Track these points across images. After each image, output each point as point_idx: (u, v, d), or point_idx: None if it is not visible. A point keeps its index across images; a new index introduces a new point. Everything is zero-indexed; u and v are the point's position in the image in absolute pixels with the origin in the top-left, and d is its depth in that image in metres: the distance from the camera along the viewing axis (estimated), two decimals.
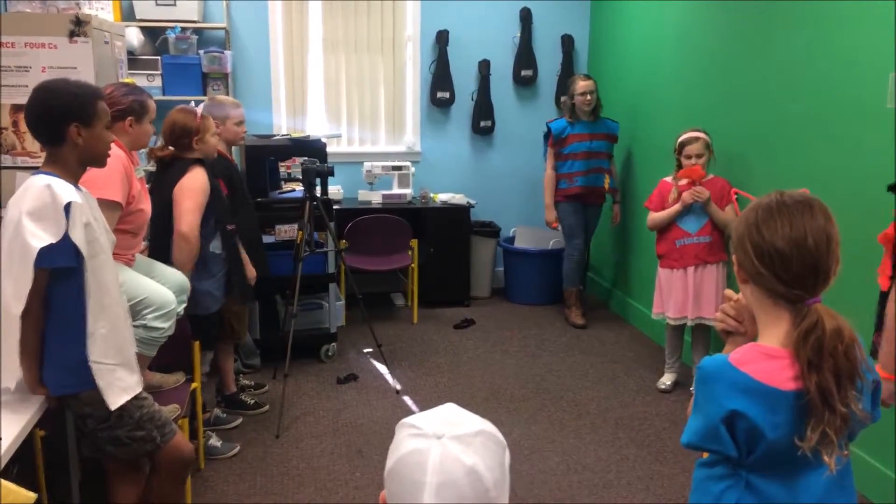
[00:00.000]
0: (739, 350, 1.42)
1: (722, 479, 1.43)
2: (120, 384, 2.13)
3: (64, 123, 2.02)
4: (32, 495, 1.60)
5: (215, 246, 3.17)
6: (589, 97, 4.79)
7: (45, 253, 1.92)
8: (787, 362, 1.35)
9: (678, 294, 3.89)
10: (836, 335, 1.32)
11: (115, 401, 2.11)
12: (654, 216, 3.98)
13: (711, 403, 1.38)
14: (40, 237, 1.93)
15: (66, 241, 1.95)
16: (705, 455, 1.50)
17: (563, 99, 4.92)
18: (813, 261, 1.34)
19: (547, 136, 5.03)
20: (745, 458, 1.39)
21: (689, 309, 3.87)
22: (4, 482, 1.57)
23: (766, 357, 1.37)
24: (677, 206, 3.84)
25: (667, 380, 4.08)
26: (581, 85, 4.81)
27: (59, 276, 2.00)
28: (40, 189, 1.97)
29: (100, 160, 2.15)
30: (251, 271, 3.54)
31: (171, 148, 3.09)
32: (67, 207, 1.96)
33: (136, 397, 2.19)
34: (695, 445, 1.43)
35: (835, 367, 1.32)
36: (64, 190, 1.98)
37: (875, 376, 1.43)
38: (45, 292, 2.00)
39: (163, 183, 3.05)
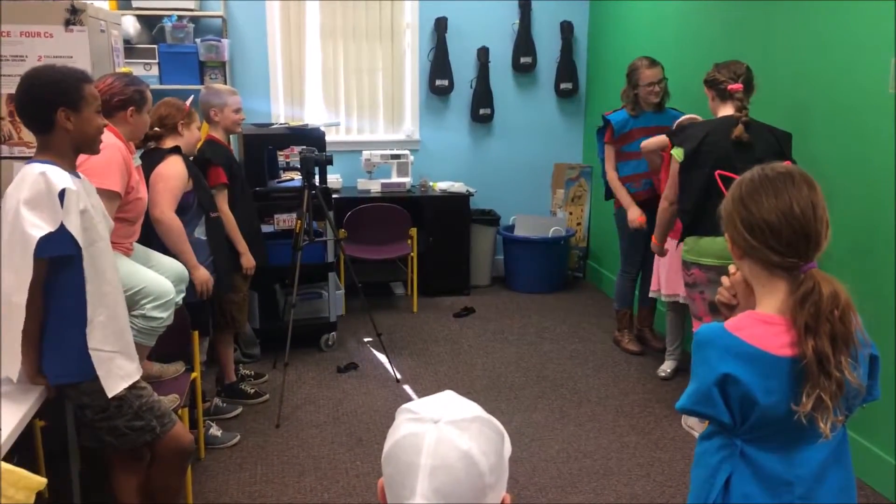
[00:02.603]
0: (736, 317, 1.44)
1: (718, 450, 1.45)
2: (119, 372, 2.12)
3: (52, 110, 2.00)
4: (43, 480, 1.60)
5: (199, 232, 3.17)
6: (657, 88, 4.05)
7: (43, 242, 1.91)
8: (783, 328, 1.37)
9: (670, 272, 3.90)
10: (832, 299, 1.34)
11: (114, 388, 2.10)
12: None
13: (705, 367, 1.40)
14: (39, 226, 1.91)
15: (63, 229, 1.94)
16: (705, 424, 1.51)
17: (623, 89, 4.18)
18: (802, 228, 1.37)
19: (603, 130, 4.26)
20: (739, 426, 1.41)
21: (680, 285, 3.78)
22: (13, 468, 1.57)
23: (762, 323, 1.39)
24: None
25: (667, 367, 4.08)
26: (647, 74, 4.05)
27: (58, 265, 1.99)
28: (35, 177, 1.95)
29: (92, 145, 2.12)
30: (249, 260, 3.53)
31: (157, 129, 3.07)
32: (62, 195, 1.94)
33: (134, 387, 2.18)
34: (687, 409, 1.45)
35: (831, 332, 1.34)
36: (59, 177, 1.97)
37: (872, 351, 1.45)
38: (45, 281, 1.99)
39: (146, 171, 3.04)
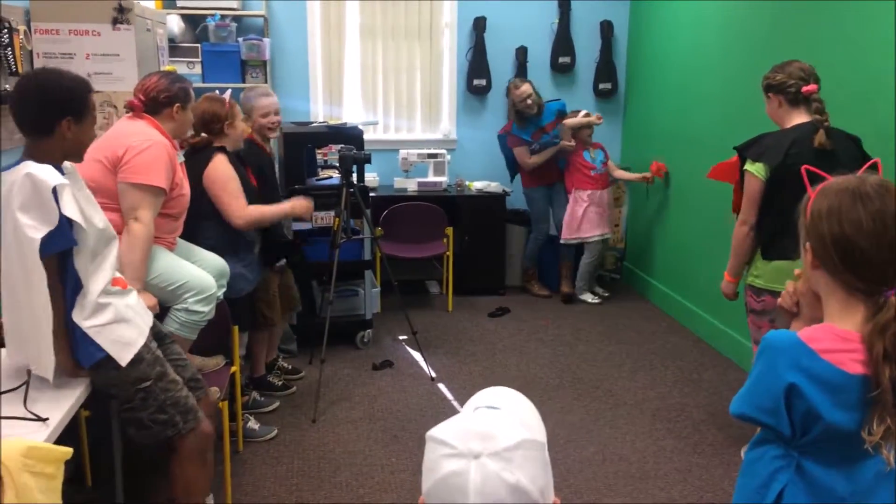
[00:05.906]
0: (812, 328, 1.38)
1: (773, 460, 1.40)
2: (122, 340, 2.07)
3: (58, 117, 1.95)
4: (68, 450, 1.61)
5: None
6: (529, 101, 5.00)
7: (45, 242, 1.86)
8: (858, 345, 1.32)
9: (592, 215, 5.08)
10: None
11: (124, 357, 2.05)
12: None
13: (771, 375, 1.35)
14: (37, 228, 1.86)
15: (62, 223, 1.88)
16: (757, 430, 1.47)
17: (507, 109, 5.26)
18: (893, 254, 1.30)
19: (504, 141, 5.22)
20: (798, 438, 1.36)
21: (600, 226, 5.14)
22: (37, 443, 1.59)
23: (838, 339, 1.34)
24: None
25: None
26: (517, 93, 5.01)
27: (65, 255, 1.96)
28: (22, 180, 1.88)
29: (80, 154, 2.08)
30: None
31: (203, 135, 3.11)
32: (55, 191, 1.88)
33: (161, 379, 2.15)
34: (747, 416, 1.40)
35: None
36: (46, 174, 1.90)
37: None
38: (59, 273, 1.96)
39: (191, 170, 3.08)
